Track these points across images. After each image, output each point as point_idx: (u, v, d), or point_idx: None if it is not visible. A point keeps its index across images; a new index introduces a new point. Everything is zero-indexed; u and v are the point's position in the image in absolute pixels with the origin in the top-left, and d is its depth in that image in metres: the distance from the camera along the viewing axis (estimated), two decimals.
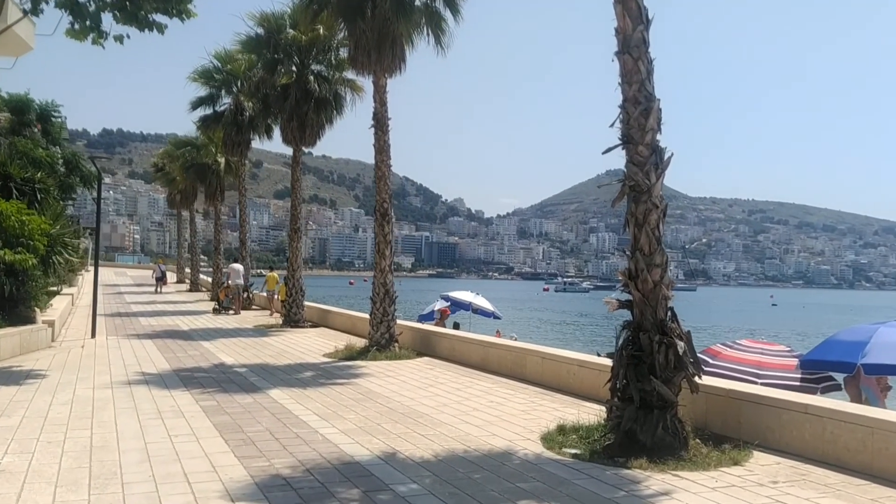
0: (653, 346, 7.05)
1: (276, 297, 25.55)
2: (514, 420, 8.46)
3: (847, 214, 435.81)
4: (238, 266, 27.52)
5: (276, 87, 20.96)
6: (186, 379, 11.34)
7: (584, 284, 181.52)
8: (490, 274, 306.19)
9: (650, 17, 7.46)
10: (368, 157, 15.23)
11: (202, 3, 12.97)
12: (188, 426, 7.94)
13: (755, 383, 8.89)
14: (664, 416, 6.92)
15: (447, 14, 14.77)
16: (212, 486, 5.77)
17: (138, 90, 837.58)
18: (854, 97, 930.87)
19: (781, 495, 5.70)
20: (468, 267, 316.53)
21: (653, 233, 7.30)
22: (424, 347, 14.82)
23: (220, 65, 26.56)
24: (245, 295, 28.03)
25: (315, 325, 21.37)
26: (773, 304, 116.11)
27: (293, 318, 21.17)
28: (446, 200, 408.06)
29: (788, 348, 10.50)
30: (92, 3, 12.40)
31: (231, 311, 25.92)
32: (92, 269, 23.75)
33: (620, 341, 7.34)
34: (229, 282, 27.11)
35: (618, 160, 7.67)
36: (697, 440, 7.07)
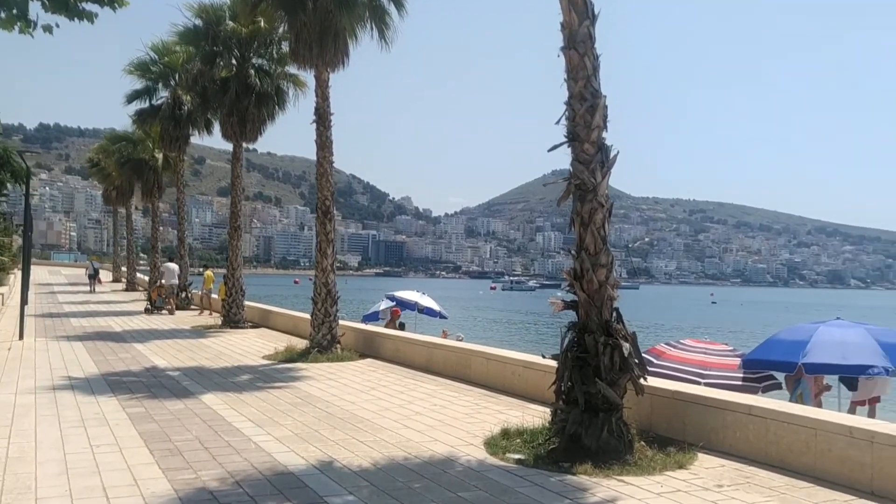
0: (598, 347, 6.89)
1: (212, 296, 25.16)
2: (458, 424, 8.23)
3: (782, 214, 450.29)
4: (172, 265, 26.82)
5: (215, 81, 20.31)
6: (115, 384, 10.79)
7: (531, 283, 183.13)
8: (438, 273, 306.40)
9: (596, 12, 7.31)
10: (314, 155, 14.81)
11: None
12: (112, 435, 7.48)
13: (699, 383, 8.88)
14: (609, 420, 6.77)
15: (391, 8, 14.50)
16: (131, 501, 5.38)
17: (77, 84, 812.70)
18: (788, 101, 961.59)
19: (727, 500, 5.59)
20: (416, 266, 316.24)
21: (598, 232, 7.15)
22: (368, 349, 14.49)
23: (157, 57, 25.70)
24: (183, 294, 27.24)
25: (256, 326, 20.81)
26: (713, 302, 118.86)
27: (233, 318, 20.57)
28: (394, 199, 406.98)
29: (731, 348, 10.55)
30: None
31: (164, 311, 25.14)
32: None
33: (565, 343, 7.17)
34: (163, 281, 26.33)
35: (563, 160, 7.47)
36: (642, 443, 6.95)
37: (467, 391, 10.35)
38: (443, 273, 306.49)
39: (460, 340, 16.72)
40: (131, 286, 40.29)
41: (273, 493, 5.62)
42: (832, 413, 6.87)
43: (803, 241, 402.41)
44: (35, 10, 12.39)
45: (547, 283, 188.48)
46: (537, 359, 9.94)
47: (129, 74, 25.78)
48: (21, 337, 16.23)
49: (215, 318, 22.32)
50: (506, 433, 7.52)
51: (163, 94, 26.62)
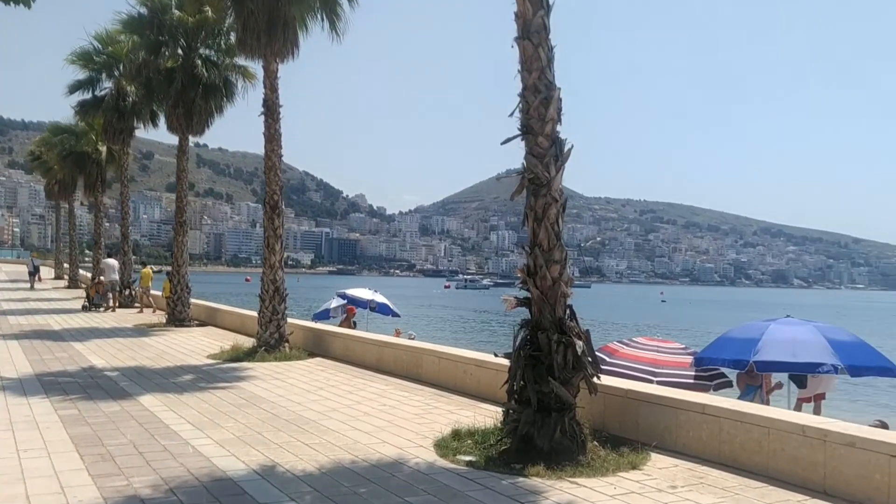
0: (551, 345, 6.72)
1: (151, 292, 24.98)
2: (408, 425, 7.98)
3: (729, 215, 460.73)
4: (111, 261, 26.10)
5: (160, 71, 19.64)
6: (49, 384, 10.27)
7: (485, 282, 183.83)
8: (392, 271, 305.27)
9: (551, 2, 7.14)
10: None
11: None
12: (41, 439, 7.04)
13: (651, 381, 8.80)
14: (562, 419, 6.60)
15: None
16: None
17: (20, 75, 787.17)
18: (735, 104, 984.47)
19: (680, 501, 5.47)
20: (370, 264, 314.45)
21: (552, 228, 6.98)
22: (317, 348, 14.14)
23: (100, 46, 24.76)
24: (127, 292, 26.44)
25: (202, 324, 20.25)
26: (663, 301, 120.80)
27: (178, 316, 19.95)
28: (347, 196, 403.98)
29: (682, 346, 10.53)
30: None
31: (102, 309, 24.36)
32: None
33: (518, 341, 6.98)
34: (101, 277, 25.51)
35: (518, 158, 7.28)
36: (595, 443, 6.81)
37: (418, 391, 10.11)
38: (397, 271, 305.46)
39: (412, 339, 16.49)
40: (74, 283, 38.96)
41: (209, 501, 5.31)
42: (785, 412, 6.83)
43: (749, 242, 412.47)
44: None
45: (501, 281, 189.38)
46: (490, 357, 9.75)
47: (71, 64, 24.81)
48: None
49: (159, 317, 21.65)
50: (457, 434, 7.31)
51: (106, 85, 25.69)
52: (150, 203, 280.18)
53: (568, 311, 7.00)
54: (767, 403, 9.01)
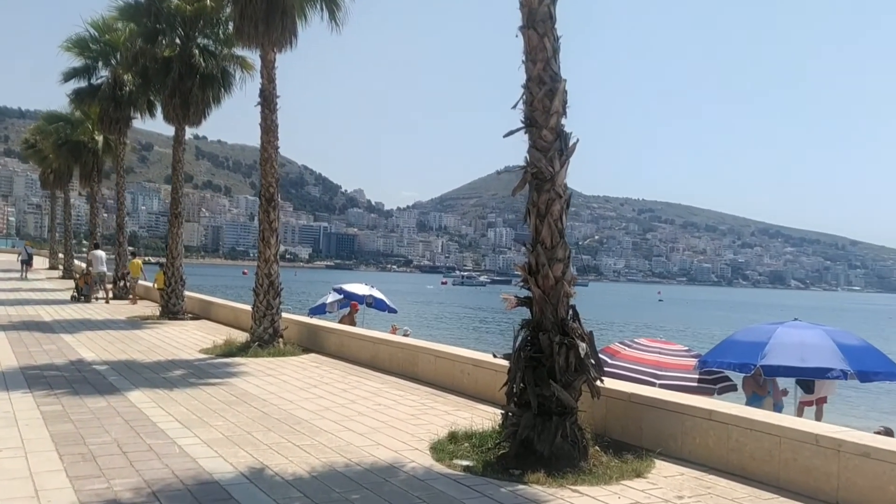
0: (553, 347, 6.45)
1: (139, 282, 25.31)
2: (403, 426, 7.72)
3: (727, 216, 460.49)
4: (100, 252, 25.90)
5: (157, 60, 19.35)
6: (33, 378, 9.99)
7: (482, 279, 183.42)
8: (389, 266, 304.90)
9: None
10: None
11: None
12: (19, 437, 6.76)
13: (654, 384, 8.55)
14: (563, 424, 6.34)
15: None
16: None
17: (17, 63, 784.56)
18: (735, 106, 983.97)
19: None
20: (367, 259, 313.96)
21: (555, 224, 6.71)
22: (312, 343, 13.87)
23: (97, 34, 24.45)
24: (121, 283, 26.16)
25: (196, 318, 19.97)
26: (660, 300, 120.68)
27: (171, 309, 19.67)
28: (346, 191, 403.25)
29: (686, 348, 10.27)
30: None
31: (94, 299, 24.25)
32: None
33: (518, 342, 6.71)
34: (90, 268, 25.25)
35: (517, 155, 7.00)
36: (597, 448, 6.55)
37: (414, 390, 9.85)
38: (394, 267, 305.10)
39: (407, 335, 16.22)
40: (68, 274, 38.62)
41: None
42: (797, 420, 6.57)
43: (747, 242, 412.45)
44: None
45: (498, 278, 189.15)
46: (488, 357, 9.47)
47: (66, 51, 24.49)
48: None
49: (153, 309, 21.37)
50: (453, 437, 7.04)
51: (103, 74, 25.41)
52: (149, 195, 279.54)
53: (570, 312, 6.73)
54: (781, 409, 8.78)
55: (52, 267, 46.86)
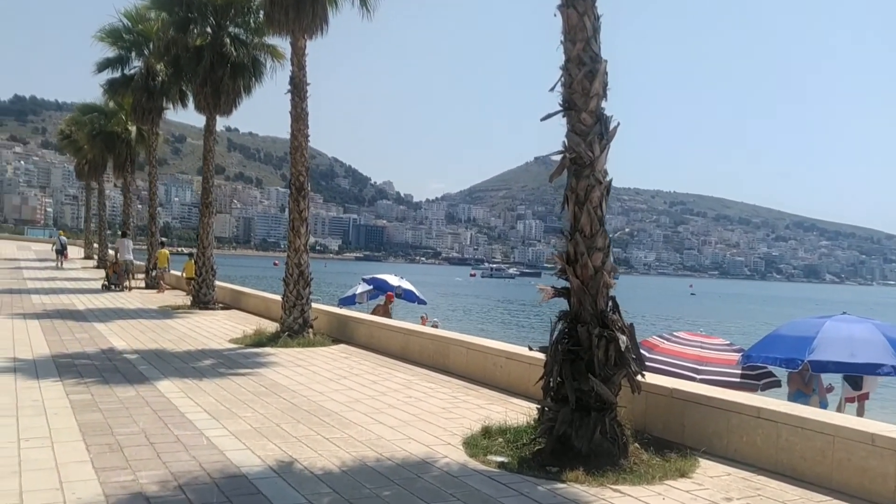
0: (592, 340, 6.18)
1: (166, 272, 25.82)
2: (435, 420, 7.50)
3: (761, 208, 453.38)
4: (127, 240, 25.99)
5: (188, 49, 19.33)
6: (64, 367, 9.95)
7: (511, 271, 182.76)
8: (417, 258, 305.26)
9: None
10: None
11: None
12: (47, 427, 6.67)
13: (694, 379, 8.22)
14: (602, 420, 6.08)
15: None
16: None
17: (54, 56, 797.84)
18: (770, 98, 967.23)
19: None
20: (396, 251, 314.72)
21: (595, 212, 6.42)
22: (341, 334, 13.74)
23: (130, 24, 24.54)
24: (153, 273, 26.34)
25: (227, 307, 19.98)
26: (692, 294, 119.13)
27: (202, 298, 19.69)
28: (375, 183, 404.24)
29: (727, 342, 9.91)
30: None
31: (119, 288, 24.58)
32: None
33: (555, 334, 6.45)
34: (118, 256, 25.47)
35: (548, 146, 6.75)
36: (637, 445, 6.28)
37: (445, 382, 9.64)
38: (422, 259, 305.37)
39: (436, 326, 16.01)
40: (102, 263, 39.10)
41: (220, 501, 4.87)
42: (851, 418, 6.23)
43: (781, 236, 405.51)
44: None
45: (527, 271, 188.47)
46: (521, 350, 9.23)
47: (100, 42, 24.62)
48: None
49: (184, 299, 21.45)
50: (487, 431, 6.81)
51: (136, 64, 25.52)
52: (182, 186, 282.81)
53: (610, 303, 6.47)
54: (826, 406, 8.41)
55: (87, 257, 47.50)
